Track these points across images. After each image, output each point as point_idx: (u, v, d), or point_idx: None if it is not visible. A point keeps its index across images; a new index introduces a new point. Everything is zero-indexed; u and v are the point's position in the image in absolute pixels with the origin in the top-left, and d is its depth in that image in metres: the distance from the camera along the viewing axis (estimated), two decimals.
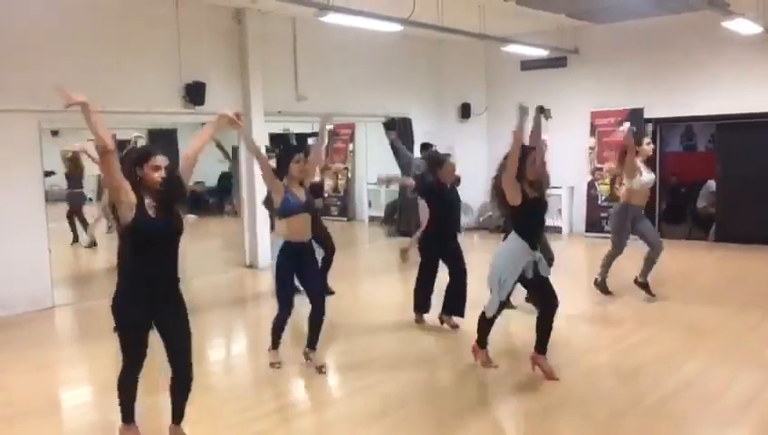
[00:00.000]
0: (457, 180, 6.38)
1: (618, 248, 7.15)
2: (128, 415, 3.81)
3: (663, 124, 11.56)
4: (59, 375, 5.58)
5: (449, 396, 4.75)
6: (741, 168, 10.47)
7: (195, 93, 8.59)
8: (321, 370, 5.11)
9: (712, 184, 11.38)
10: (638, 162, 6.91)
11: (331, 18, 7.49)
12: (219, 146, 10.98)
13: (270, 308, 7.68)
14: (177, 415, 3.79)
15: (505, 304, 5.01)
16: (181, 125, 15.77)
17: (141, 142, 10.61)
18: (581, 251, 10.99)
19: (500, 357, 5.23)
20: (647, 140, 7.16)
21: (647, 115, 11.17)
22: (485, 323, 5.03)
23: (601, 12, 10.18)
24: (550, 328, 4.83)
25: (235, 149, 11.53)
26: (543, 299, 4.92)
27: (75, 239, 11.68)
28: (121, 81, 7.99)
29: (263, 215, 9.75)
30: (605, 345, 5.72)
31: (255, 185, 9.57)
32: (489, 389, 4.88)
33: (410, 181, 7.11)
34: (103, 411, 4.71)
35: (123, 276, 3.66)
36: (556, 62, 11.84)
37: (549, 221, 12.07)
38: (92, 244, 11.48)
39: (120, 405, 3.80)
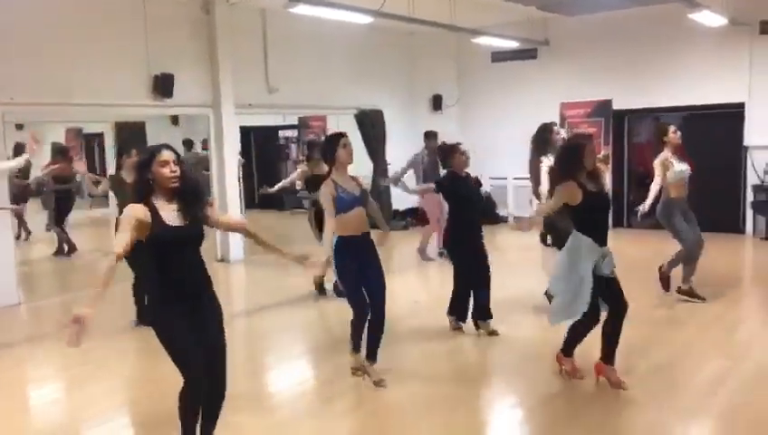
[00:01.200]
0: (477, 182, 6.13)
1: (688, 243, 6.74)
2: None
3: (631, 115, 11.72)
4: (27, 373, 5.47)
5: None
6: (707, 158, 10.63)
7: (163, 85, 8.48)
8: (379, 384, 4.62)
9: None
10: (668, 154, 6.63)
11: (301, 9, 7.43)
12: None
13: (244, 303, 7.70)
14: (208, 431, 3.50)
15: (597, 308, 4.41)
16: (150, 118, 15.57)
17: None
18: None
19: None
20: (672, 128, 6.74)
21: (615, 106, 11.33)
22: (573, 331, 4.58)
23: (572, 4, 10.27)
24: (618, 333, 4.42)
25: (205, 142, 11.44)
26: (610, 300, 4.42)
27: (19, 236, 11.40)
28: (88, 73, 7.85)
29: (235, 208, 9.68)
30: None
31: (226, 179, 9.49)
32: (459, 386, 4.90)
33: (429, 186, 6.57)
34: (72, 410, 4.65)
35: (153, 288, 3.40)
36: (526, 53, 11.92)
37: (519, 212, 12.30)
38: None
39: (185, 426, 3.40)
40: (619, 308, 4.39)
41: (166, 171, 3.24)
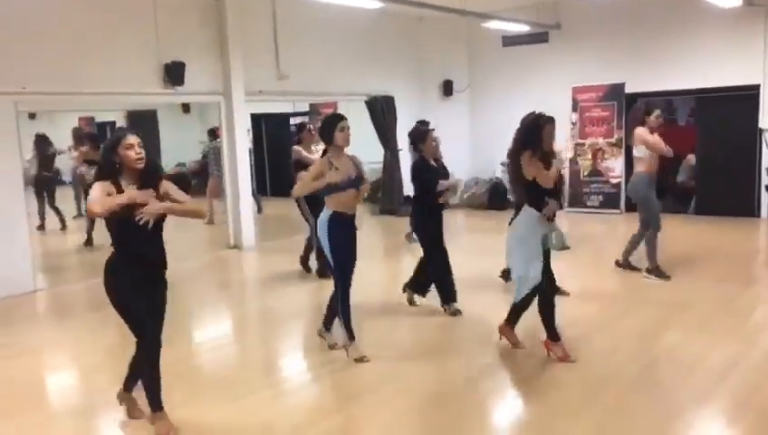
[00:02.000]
0: (444, 168, 6.18)
1: (655, 221, 6.95)
2: (159, 403, 3.79)
3: (644, 99, 11.60)
4: (43, 359, 5.56)
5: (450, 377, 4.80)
6: (720, 141, 10.57)
7: (174, 73, 8.49)
8: (361, 360, 4.83)
9: (692, 158, 11.49)
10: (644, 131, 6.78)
11: None
12: None
13: (256, 289, 7.75)
14: (132, 381, 3.98)
15: (544, 283, 4.69)
16: (161, 106, 15.64)
17: None
18: (563, 227, 11.06)
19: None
20: (656, 112, 6.90)
21: (627, 90, 11.23)
22: (516, 304, 4.85)
23: None
24: (550, 308, 4.71)
25: (215, 130, 11.48)
26: (543, 275, 4.69)
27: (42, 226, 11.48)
28: (99, 62, 7.87)
29: (246, 195, 9.73)
30: (583, 318, 5.78)
31: (238, 166, 9.53)
32: (466, 369, 4.93)
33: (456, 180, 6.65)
34: (88, 395, 4.73)
35: (114, 259, 3.70)
36: (537, 37, 11.82)
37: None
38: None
39: (146, 393, 3.80)
40: (545, 285, 4.68)
41: (131, 154, 3.58)
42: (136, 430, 3.97)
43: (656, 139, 6.79)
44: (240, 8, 9.27)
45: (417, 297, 6.16)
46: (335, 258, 4.78)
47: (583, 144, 11.65)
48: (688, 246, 9.03)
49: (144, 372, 3.80)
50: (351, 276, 4.85)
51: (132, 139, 3.61)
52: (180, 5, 8.77)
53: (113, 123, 17.70)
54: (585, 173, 11.70)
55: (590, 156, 11.55)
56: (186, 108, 17.04)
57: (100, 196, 3.48)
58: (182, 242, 10.48)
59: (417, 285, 6.14)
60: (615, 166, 11.40)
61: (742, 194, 10.43)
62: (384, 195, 12.50)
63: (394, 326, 5.79)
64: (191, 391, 4.49)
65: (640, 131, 6.82)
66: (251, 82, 9.49)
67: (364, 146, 12.90)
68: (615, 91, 11.34)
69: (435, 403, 4.25)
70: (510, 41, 12.22)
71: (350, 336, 4.90)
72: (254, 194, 10.71)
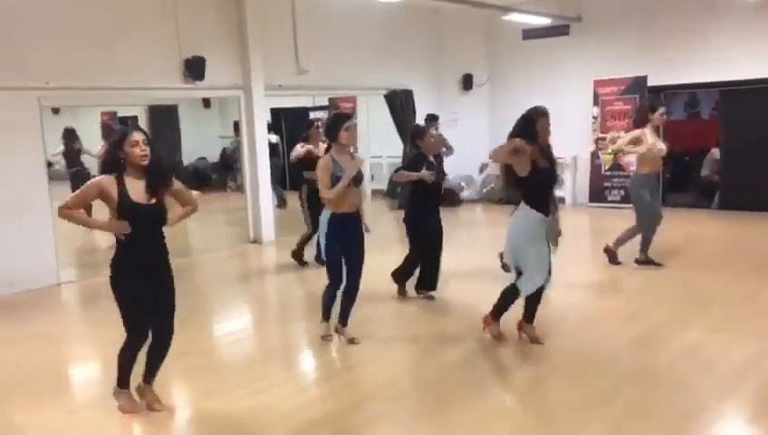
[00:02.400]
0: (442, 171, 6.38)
1: (646, 220, 7.01)
2: (123, 382, 4.07)
3: (666, 92, 11.46)
4: (66, 351, 5.65)
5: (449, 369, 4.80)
6: (745, 135, 10.40)
7: (195, 68, 8.55)
8: (353, 341, 5.13)
9: (716, 152, 11.33)
10: (647, 131, 6.84)
11: None
12: None
13: (275, 283, 7.80)
14: (150, 375, 4.08)
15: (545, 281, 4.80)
16: (181, 101, 15.75)
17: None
18: (585, 222, 10.99)
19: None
20: (661, 110, 6.98)
21: (650, 83, 11.08)
22: (511, 298, 4.91)
23: None
24: (539, 295, 4.86)
25: (236, 124, 11.53)
26: None
27: None
28: (120, 57, 7.95)
29: (266, 190, 9.77)
30: (606, 313, 5.75)
31: (258, 161, 9.57)
32: (488, 362, 4.92)
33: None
34: (110, 386, 4.79)
35: (118, 254, 3.84)
36: (558, 30, 11.70)
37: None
38: None
39: (117, 372, 4.04)
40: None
41: (136, 151, 3.68)
42: (155, 421, 4.02)
43: (651, 142, 6.79)
44: (259, 3, 9.30)
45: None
46: (327, 257, 5.03)
47: (605, 138, 11.53)
48: (712, 241, 8.93)
49: (123, 355, 3.98)
50: (341, 275, 5.00)
51: (137, 136, 3.70)
52: (201, 1, 8.82)
53: (135, 118, 17.86)
54: (606, 168, 11.59)
55: (611, 151, 11.42)
56: (206, 103, 17.15)
57: (78, 202, 3.75)
58: (202, 236, 10.60)
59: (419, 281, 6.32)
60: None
61: (766, 189, 10.26)
62: (403, 189, 12.48)
63: (415, 319, 5.80)
64: (214, 384, 4.54)
65: (644, 132, 6.85)
66: (270, 77, 9.53)
67: (383, 140, 13.03)
68: (637, 85, 11.20)
69: (454, 401, 4.24)
70: (530, 34, 12.12)
71: (323, 317, 5.22)
72: (276, 187, 10.76)
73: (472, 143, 11.60)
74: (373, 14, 10.62)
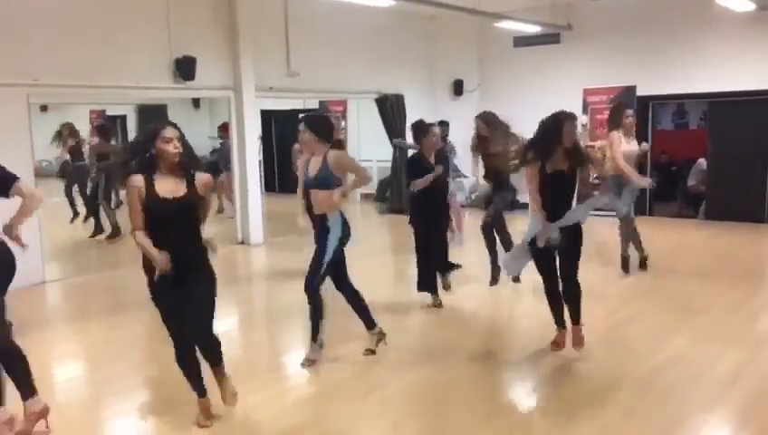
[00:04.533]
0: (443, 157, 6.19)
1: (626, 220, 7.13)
2: (198, 389, 3.86)
3: (655, 102, 11.57)
4: (52, 351, 5.58)
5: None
6: (732, 146, 10.51)
7: (185, 68, 8.51)
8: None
9: (702, 162, 11.43)
10: (618, 135, 6.96)
11: None
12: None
13: (262, 285, 7.77)
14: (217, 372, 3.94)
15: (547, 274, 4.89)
16: (171, 100, 15.68)
17: None
18: None
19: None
20: (628, 112, 7.10)
21: (639, 93, 11.17)
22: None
23: None
24: (573, 293, 4.80)
25: (222, 126, 11.47)
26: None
27: (75, 215, 11.22)
28: (110, 55, 7.90)
29: (255, 191, 9.74)
30: (594, 320, 5.76)
31: (247, 162, 9.54)
32: (479, 363, 4.93)
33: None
34: (96, 386, 4.75)
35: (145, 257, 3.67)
36: (549, 38, 11.77)
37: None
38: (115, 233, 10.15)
39: (188, 382, 3.85)
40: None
41: (170, 148, 3.52)
42: (141, 422, 3.99)
43: (617, 151, 6.90)
44: (252, 5, 9.29)
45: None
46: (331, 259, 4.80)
47: (593, 146, 11.59)
48: (698, 250, 9.00)
49: (178, 365, 3.80)
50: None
51: (171, 132, 3.54)
52: (193, 0, 8.79)
53: (124, 117, 17.77)
54: (594, 175, 11.63)
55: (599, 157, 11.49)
56: (196, 103, 17.10)
57: (139, 217, 3.54)
58: None
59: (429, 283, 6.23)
60: None
61: (752, 200, 10.37)
62: (392, 194, 12.50)
63: (400, 324, 5.79)
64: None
65: (612, 138, 6.99)
66: (261, 79, 9.51)
67: (373, 144, 13.03)
68: (626, 94, 11.28)
69: (439, 401, 4.24)
70: (521, 41, 12.18)
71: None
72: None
73: (462, 149, 11.61)
74: (365, 19, 10.63)
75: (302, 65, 10.10)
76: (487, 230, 6.69)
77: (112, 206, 10.44)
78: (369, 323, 4.98)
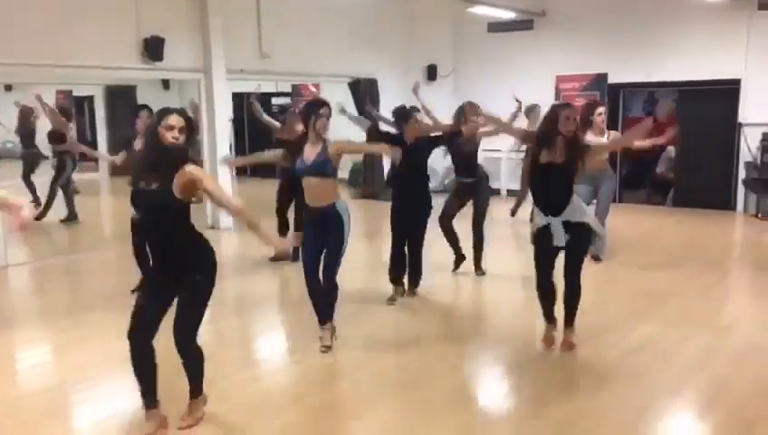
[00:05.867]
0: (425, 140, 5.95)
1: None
2: (146, 396, 3.53)
3: (626, 90, 11.65)
4: (14, 336, 5.45)
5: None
6: (700, 134, 10.65)
7: (153, 49, 8.32)
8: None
9: (671, 150, 11.57)
10: (590, 136, 6.78)
11: None
12: None
13: (234, 270, 7.68)
14: (190, 390, 3.67)
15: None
16: (141, 81, 15.36)
17: None
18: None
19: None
20: (599, 110, 6.98)
21: (610, 81, 11.25)
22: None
23: None
24: (573, 293, 4.69)
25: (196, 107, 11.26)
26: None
27: (36, 201, 10.79)
28: (77, 35, 7.69)
29: (224, 175, 9.59)
30: (562, 308, 5.81)
31: (217, 145, 9.39)
32: (451, 350, 4.93)
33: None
34: (60, 373, 4.65)
35: None
36: (523, 24, 11.79)
37: (514, 185, 12.26)
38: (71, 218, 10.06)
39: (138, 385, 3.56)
40: (565, 278, 4.66)
41: (168, 136, 3.26)
42: (123, 412, 3.91)
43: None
44: None
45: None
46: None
47: None
48: (666, 237, 9.13)
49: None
50: (308, 271, 4.71)
51: (173, 120, 3.27)
52: None
53: (91, 98, 17.39)
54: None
55: None
56: (165, 84, 16.76)
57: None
58: None
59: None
60: None
61: (719, 187, 10.54)
62: (365, 179, 12.45)
63: (371, 312, 5.77)
64: (169, 374, 4.43)
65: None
66: (232, 61, 9.34)
67: (346, 128, 12.91)
68: (598, 82, 11.36)
69: (407, 387, 4.24)
70: (496, 27, 12.17)
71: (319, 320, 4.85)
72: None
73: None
74: (339, 2, 10.49)
75: (274, 48, 9.94)
76: (446, 223, 6.61)
77: (69, 192, 10.16)
78: (330, 315, 4.85)
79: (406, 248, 5.99)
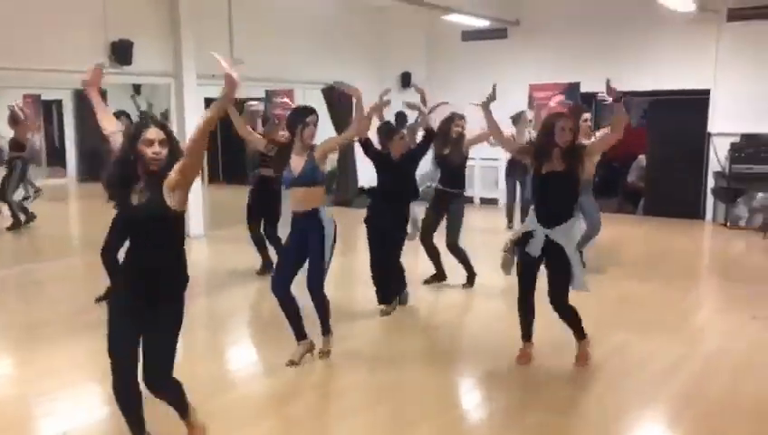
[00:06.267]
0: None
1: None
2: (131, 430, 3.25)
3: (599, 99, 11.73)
4: None
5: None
6: (670, 144, 10.77)
7: (121, 52, 8.16)
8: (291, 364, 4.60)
9: (642, 159, 11.69)
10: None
11: None
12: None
13: (203, 279, 7.53)
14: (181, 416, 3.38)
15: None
16: (111, 86, 15.10)
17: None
18: (516, 223, 11.12)
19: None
20: (584, 117, 7.01)
21: (583, 89, 11.32)
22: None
23: None
24: (565, 317, 4.54)
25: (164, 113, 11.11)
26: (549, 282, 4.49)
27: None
28: (42, 37, 7.52)
29: (195, 181, 9.44)
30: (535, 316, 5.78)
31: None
32: (427, 360, 4.87)
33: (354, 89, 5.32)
34: (21, 385, 4.49)
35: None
36: (497, 33, 11.84)
37: (486, 193, 12.27)
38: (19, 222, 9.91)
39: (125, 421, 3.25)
40: (550, 294, 4.47)
41: (148, 153, 2.93)
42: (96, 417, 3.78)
43: None
44: None
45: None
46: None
47: None
48: (637, 246, 9.19)
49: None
50: (276, 282, 4.55)
51: (153, 133, 2.93)
52: None
53: (60, 102, 17.07)
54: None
55: None
56: (136, 89, 16.52)
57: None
58: None
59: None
60: None
61: (689, 196, 10.66)
62: (339, 186, 12.37)
63: (347, 324, 5.68)
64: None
65: None
66: (203, 66, 9.19)
67: (321, 135, 12.84)
68: (571, 91, 11.43)
69: (379, 399, 4.17)
70: (470, 35, 12.21)
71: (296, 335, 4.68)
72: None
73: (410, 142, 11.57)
74: (312, 8, 10.44)
75: (247, 53, 9.77)
76: (429, 242, 6.49)
77: (23, 197, 9.95)
78: (327, 331, 4.76)
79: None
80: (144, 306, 3.03)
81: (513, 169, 9.64)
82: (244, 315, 6.31)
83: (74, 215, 13.23)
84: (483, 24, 11.29)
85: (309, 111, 4.61)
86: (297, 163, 4.47)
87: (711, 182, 10.43)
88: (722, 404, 4.09)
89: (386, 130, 5.81)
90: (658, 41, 10.55)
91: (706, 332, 5.53)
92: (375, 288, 5.86)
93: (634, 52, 10.74)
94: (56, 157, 17.51)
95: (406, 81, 12.84)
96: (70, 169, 16.94)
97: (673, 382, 4.40)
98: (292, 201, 4.55)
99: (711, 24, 10.05)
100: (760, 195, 9.75)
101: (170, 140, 3.01)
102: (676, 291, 6.61)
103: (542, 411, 3.99)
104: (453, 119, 6.47)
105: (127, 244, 3.15)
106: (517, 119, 9.14)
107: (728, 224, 10.00)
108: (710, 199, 10.50)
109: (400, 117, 9.67)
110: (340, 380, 4.50)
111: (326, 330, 4.73)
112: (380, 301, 5.83)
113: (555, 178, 4.36)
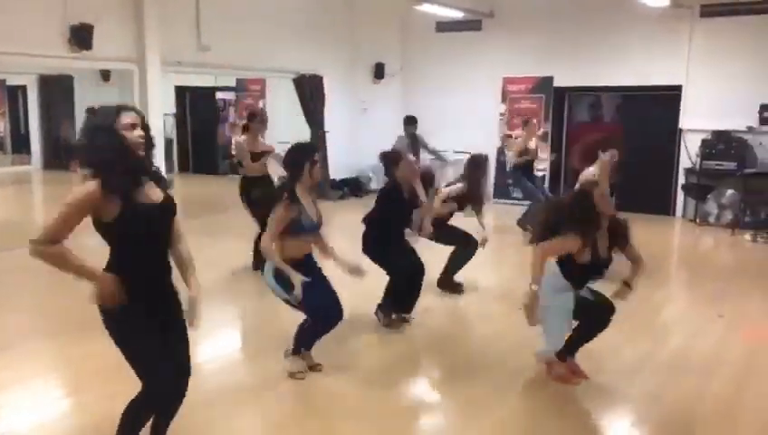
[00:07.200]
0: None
1: None
2: None
3: (572, 94, 11.70)
4: None
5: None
6: (642, 139, 10.76)
7: (81, 37, 7.86)
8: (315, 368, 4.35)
9: (615, 154, 11.65)
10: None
11: None
12: None
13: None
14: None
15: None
16: (76, 72, 14.72)
17: None
18: (488, 218, 11.03)
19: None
20: (613, 153, 7.42)
21: (556, 84, 11.28)
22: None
23: None
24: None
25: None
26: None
27: None
28: None
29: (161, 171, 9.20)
30: (501, 313, 5.71)
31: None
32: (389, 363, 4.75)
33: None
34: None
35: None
36: (471, 24, 11.74)
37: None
38: None
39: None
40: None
41: (135, 135, 2.73)
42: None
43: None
44: None
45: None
46: (306, 300, 4.07)
47: (511, 135, 11.64)
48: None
49: (131, 414, 2.94)
50: (327, 311, 4.20)
51: (132, 117, 2.77)
52: None
53: (24, 88, 16.61)
54: (511, 165, 11.67)
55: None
56: (105, 76, 16.12)
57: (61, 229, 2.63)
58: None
59: (393, 304, 5.40)
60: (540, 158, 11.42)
61: (659, 192, 10.67)
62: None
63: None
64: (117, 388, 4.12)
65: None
66: (169, 52, 8.93)
67: (291, 126, 12.63)
68: (543, 85, 11.38)
69: (337, 404, 4.04)
70: (444, 26, 12.09)
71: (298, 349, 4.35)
72: None
73: (382, 133, 11.41)
74: None
75: (215, 39, 9.56)
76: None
77: None
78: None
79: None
80: (165, 310, 2.88)
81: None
82: (220, 306, 6.09)
83: (38, 202, 12.86)
84: (457, 14, 11.16)
85: (313, 147, 4.37)
86: (310, 206, 4.10)
87: (682, 178, 10.45)
88: (691, 400, 4.06)
89: (390, 158, 5.28)
90: (631, 36, 10.52)
91: (673, 329, 5.51)
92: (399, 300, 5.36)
93: (607, 46, 10.70)
94: (21, 143, 17.07)
95: (379, 72, 12.68)
96: (34, 155, 16.48)
97: (638, 380, 4.36)
98: (298, 247, 4.10)
99: (684, 20, 10.04)
100: (729, 192, 9.78)
101: (142, 119, 2.84)
102: (644, 288, 6.50)
103: (503, 409, 3.93)
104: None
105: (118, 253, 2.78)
106: (526, 124, 9.30)
107: (698, 220, 10.02)
108: (680, 196, 10.52)
109: (411, 120, 9.71)
110: (331, 393, 4.35)
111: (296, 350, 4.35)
112: (402, 311, 5.38)
113: (597, 267, 4.08)
